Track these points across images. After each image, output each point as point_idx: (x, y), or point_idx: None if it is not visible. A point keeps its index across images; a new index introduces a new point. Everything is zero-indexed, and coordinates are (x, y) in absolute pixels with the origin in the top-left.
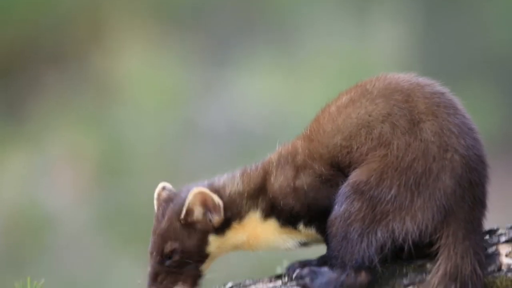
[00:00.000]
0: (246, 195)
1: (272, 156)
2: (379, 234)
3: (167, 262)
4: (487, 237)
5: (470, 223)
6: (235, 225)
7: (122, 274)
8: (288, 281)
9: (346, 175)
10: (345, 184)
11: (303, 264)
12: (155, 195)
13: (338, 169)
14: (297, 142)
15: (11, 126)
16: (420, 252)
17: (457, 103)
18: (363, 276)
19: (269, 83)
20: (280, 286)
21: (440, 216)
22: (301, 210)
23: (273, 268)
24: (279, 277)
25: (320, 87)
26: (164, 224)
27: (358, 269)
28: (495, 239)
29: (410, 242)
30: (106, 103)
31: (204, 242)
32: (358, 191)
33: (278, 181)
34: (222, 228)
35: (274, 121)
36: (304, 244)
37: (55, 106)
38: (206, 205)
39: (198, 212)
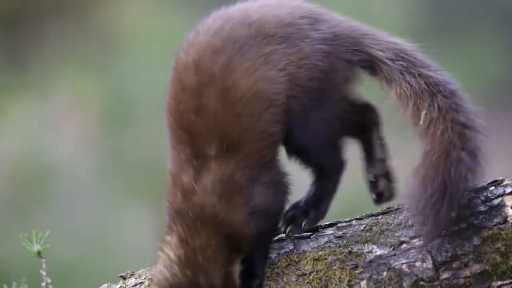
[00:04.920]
0: None
1: None
2: None
3: None
4: (492, 188)
5: None
6: None
7: (127, 223)
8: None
9: None
10: None
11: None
12: None
13: None
14: None
15: (15, 76)
16: None
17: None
18: None
19: None
20: None
21: None
22: None
23: None
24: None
25: None
26: None
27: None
28: (500, 190)
29: None
30: (110, 53)
31: None
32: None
33: None
34: None
35: None
36: None
37: (58, 56)
38: None
39: None
